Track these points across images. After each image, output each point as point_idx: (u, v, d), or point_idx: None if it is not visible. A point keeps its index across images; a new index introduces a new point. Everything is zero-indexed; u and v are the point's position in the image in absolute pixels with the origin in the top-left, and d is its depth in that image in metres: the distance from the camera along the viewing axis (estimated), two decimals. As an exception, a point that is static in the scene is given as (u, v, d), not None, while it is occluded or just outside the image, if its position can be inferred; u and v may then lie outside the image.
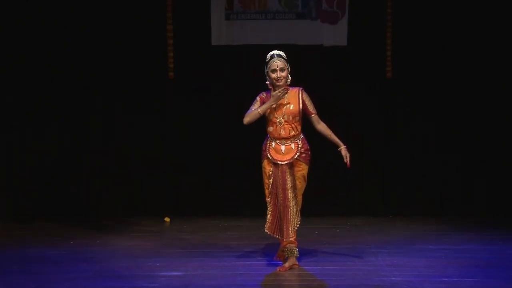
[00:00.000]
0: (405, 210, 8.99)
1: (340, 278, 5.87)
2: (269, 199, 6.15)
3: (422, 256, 6.66)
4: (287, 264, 6.15)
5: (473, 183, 8.96)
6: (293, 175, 6.11)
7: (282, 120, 6.09)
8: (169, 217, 8.88)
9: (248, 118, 6.09)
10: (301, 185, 6.17)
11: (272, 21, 8.85)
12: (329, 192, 8.98)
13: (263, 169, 6.18)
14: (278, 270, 6.11)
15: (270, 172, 6.11)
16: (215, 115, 8.98)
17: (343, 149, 6.15)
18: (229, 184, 9.10)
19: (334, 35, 8.82)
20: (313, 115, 6.18)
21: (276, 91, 6.04)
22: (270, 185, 6.12)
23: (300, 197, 6.18)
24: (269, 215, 6.16)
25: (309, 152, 6.18)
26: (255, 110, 6.09)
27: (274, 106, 6.08)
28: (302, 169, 6.15)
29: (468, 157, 8.96)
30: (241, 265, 6.33)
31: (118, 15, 8.86)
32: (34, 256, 6.75)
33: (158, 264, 6.37)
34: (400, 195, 9.04)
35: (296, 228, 6.13)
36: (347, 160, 6.13)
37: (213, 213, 9.00)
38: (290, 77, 6.17)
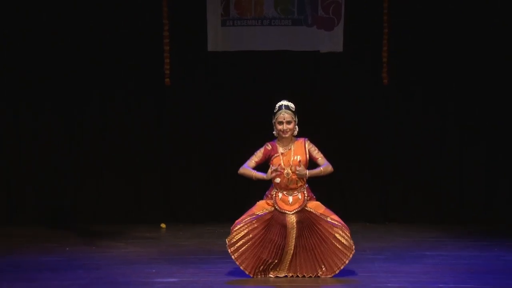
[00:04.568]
0: (402, 217, 8.99)
1: (336, 285, 5.86)
2: (241, 224, 5.97)
3: (418, 262, 6.66)
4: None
5: (470, 191, 8.96)
6: (300, 223, 6.02)
7: (290, 171, 6.05)
8: (165, 224, 8.87)
9: (242, 171, 6.11)
10: (323, 209, 6.06)
11: (268, 27, 8.85)
12: (326, 198, 8.92)
13: (258, 204, 6.08)
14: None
15: (266, 210, 6.02)
16: (211, 121, 8.99)
17: (301, 170, 5.98)
18: (225, 190, 9.10)
19: (330, 41, 8.84)
20: (319, 159, 6.15)
21: (270, 172, 5.95)
22: (255, 215, 6.00)
23: (334, 216, 6.04)
24: (241, 242, 5.97)
25: (314, 198, 6.17)
26: (252, 172, 6.06)
27: (283, 157, 6.00)
28: (313, 199, 6.12)
29: (465, 164, 8.96)
30: (237, 272, 6.31)
31: (115, 21, 8.87)
32: (30, 263, 6.72)
33: (154, 271, 6.36)
34: (397, 202, 9.05)
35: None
36: (281, 170, 5.97)
37: (209, 219, 9.00)
38: (297, 128, 6.09)
